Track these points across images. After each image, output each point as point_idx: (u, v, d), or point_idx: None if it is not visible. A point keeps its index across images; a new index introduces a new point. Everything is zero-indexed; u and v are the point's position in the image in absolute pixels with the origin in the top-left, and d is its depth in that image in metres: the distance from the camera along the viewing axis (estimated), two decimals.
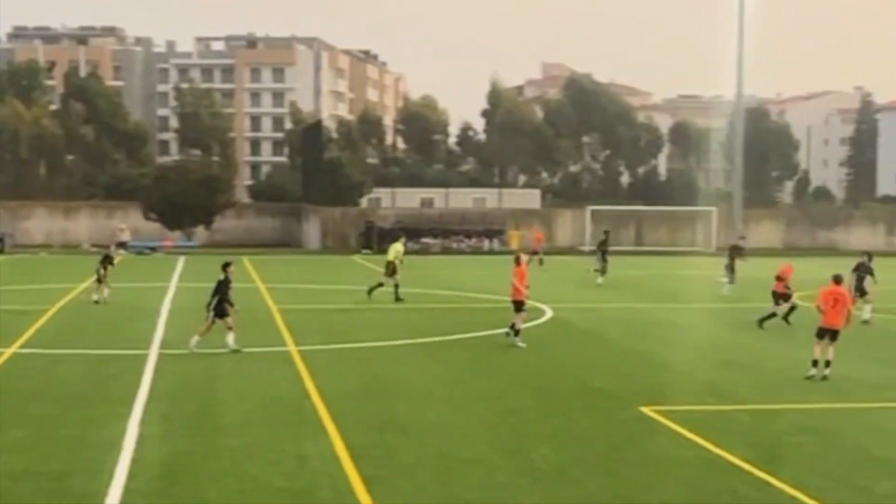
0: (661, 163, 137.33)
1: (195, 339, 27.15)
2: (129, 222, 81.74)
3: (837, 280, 25.59)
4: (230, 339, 27.15)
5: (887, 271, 47.59)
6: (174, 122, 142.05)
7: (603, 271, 49.68)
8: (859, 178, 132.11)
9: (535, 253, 59.66)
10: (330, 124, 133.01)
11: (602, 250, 50.81)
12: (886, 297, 42.56)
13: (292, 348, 28.36)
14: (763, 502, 14.92)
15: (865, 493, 15.32)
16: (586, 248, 73.98)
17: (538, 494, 15.11)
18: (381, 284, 40.81)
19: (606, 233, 53.34)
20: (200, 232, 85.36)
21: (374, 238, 76.51)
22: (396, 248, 41.50)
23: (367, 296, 40.34)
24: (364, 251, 72.79)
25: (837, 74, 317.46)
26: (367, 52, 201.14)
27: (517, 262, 29.62)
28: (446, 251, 75.51)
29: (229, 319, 27.26)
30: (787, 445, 18.09)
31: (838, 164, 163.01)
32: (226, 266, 28.09)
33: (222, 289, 27.52)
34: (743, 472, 16.22)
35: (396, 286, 40.27)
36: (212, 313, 27.11)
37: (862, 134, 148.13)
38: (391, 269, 40.68)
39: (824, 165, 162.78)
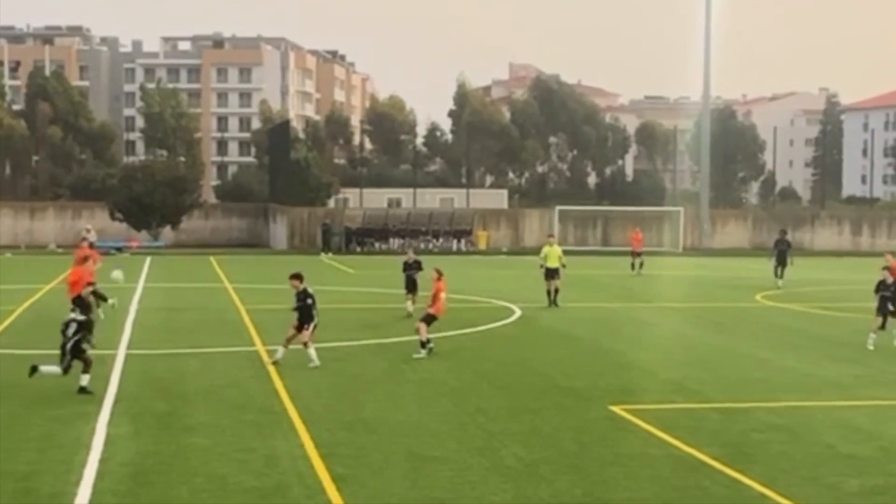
0: (628, 163, 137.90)
1: None
2: (96, 223, 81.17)
3: (441, 274, 27.86)
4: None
5: (854, 271, 47.94)
6: (140, 123, 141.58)
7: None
8: (825, 178, 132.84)
9: (637, 255, 56.75)
10: (297, 124, 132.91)
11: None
12: (852, 295, 42.84)
13: (261, 348, 28.29)
14: (733, 499, 14.96)
15: (834, 491, 15.39)
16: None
17: (508, 492, 15.11)
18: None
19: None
20: (167, 232, 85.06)
21: (341, 240, 76.22)
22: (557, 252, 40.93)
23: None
24: (322, 255, 71.58)
25: (803, 75, 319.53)
26: (334, 53, 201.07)
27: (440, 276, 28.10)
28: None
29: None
30: (755, 443, 18.15)
31: (804, 164, 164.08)
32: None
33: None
34: (712, 470, 16.27)
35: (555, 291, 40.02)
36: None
37: (827, 135, 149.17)
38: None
39: (790, 166, 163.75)
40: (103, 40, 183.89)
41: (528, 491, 15.20)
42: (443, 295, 27.64)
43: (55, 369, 21.88)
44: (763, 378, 24.73)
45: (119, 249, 74.21)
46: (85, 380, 21.62)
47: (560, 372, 25.25)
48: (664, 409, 20.86)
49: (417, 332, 27.46)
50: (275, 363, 25.26)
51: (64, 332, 22.03)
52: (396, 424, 19.22)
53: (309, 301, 25.66)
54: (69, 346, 21.81)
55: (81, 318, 22.28)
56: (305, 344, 25.44)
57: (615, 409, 20.58)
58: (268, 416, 19.85)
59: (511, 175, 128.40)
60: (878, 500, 15.11)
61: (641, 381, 24.18)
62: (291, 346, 25.59)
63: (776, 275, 49.33)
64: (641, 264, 55.49)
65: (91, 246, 66.12)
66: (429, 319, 27.42)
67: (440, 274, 28.09)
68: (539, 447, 17.69)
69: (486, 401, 21.51)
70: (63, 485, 15.14)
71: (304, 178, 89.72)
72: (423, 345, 27.10)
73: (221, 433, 18.36)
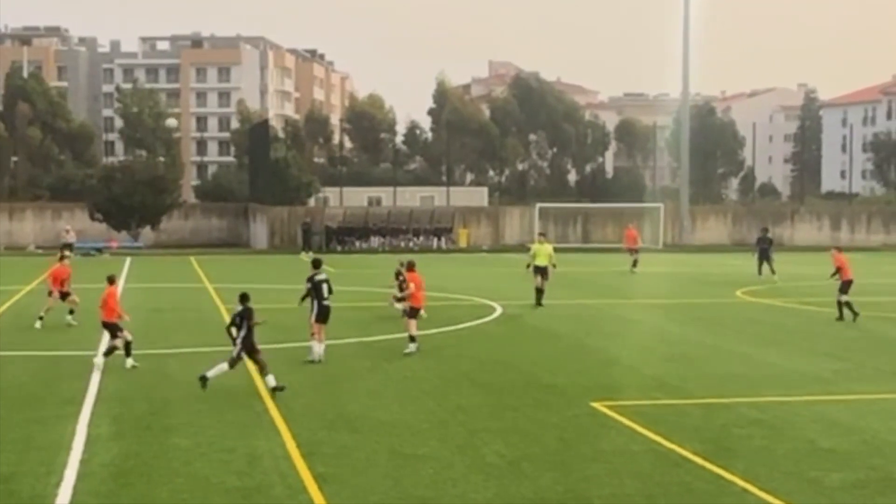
0: (608, 160, 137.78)
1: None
2: (75, 223, 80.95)
3: (411, 267, 28.76)
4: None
5: (833, 267, 47.97)
6: (120, 123, 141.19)
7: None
8: (804, 174, 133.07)
9: (634, 251, 56.71)
10: (276, 124, 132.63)
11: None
12: (832, 291, 42.90)
13: None
14: (715, 495, 14.98)
15: (816, 485, 15.42)
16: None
17: (490, 490, 15.11)
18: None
19: None
20: (147, 233, 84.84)
21: (321, 239, 76.07)
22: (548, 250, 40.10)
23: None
24: (302, 254, 71.26)
25: (781, 72, 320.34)
26: (313, 52, 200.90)
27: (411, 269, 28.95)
28: (394, 249, 75.35)
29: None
30: (736, 438, 18.19)
31: (783, 160, 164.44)
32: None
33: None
34: (694, 466, 16.30)
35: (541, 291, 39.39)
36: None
37: (806, 130, 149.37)
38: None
39: (769, 162, 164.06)
40: (81, 40, 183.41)
41: (510, 488, 15.20)
42: (412, 285, 28.20)
43: (223, 367, 22.05)
44: (744, 373, 24.80)
45: (99, 250, 74.04)
46: (269, 380, 21.68)
47: (542, 369, 25.28)
48: (646, 406, 20.89)
49: (407, 328, 27.75)
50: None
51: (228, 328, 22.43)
52: (378, 423, 19.21)
53: (308, 285, 26.28)
54: (238, 340, 22.09)
55: (240, 308, 22.42)
56: (312, 334, 26.04)
57: (597, 405, 20.60)
58: (249, 415, 19.83)
59: (491, 173, 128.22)
60: (859, 493, 15.15)
61: (623, 378, 24.21)
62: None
63: (759, 272, 49.51)
64: (635, 262, 55.48)
65: (69, 248, 65.96)
66: (413, 313, 27.88)
67: (411, 267, 28.89)
68: (521, 444, 17.70)
69: (467, 398, 21.52)
70: (44, 486, 15.10)
71: (284, 177, 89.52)
72: (413, 339, 27.35)
73: (203, 433, 18.33)
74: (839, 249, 37.48)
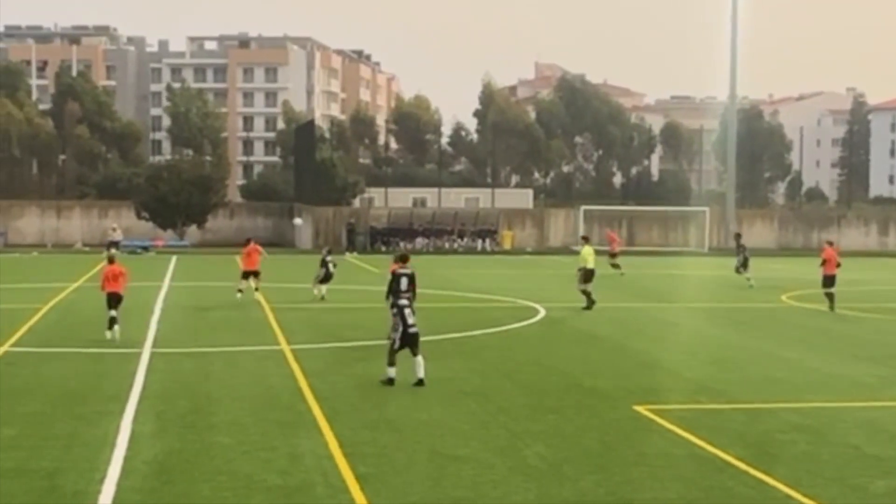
0: (654, 163, 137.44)
1: None
2: (122, 222, 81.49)
3: (404, 259, 27.86)
4: None
5: (880, 272, 47.77)
6: (167, 122, 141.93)
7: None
8: (852, 178, 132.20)
9: (613, 255, 56.71)
10: (322, 124, 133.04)
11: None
12: (877, 296, 42.70)
13: (285, 347, 28.33)
14: (757, 500, 14.90)
15: (860, 492, 15.30)
16: (579, 248, 73.87)
17: (531, 492, 15.08)
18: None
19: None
20: (192, 231, 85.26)
21: (366, 239, 76.22)
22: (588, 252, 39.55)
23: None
24: (347, 254, 71.55)
25: (830, 75, 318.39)
26: (359, 53, 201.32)
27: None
28: (439, 251, 75.43)
29: None
30: (779, 443, 18.07)
31: (830, 164, 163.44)
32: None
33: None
34: (737, 470, 16.20)
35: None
36: None
37: (854, 135, 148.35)
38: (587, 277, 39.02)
39: (817, 166, 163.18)
40: (130, 40, 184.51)
41: (551, 490, 15.17)
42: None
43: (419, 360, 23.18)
44: (788, 378, 24.65)
45: (145, 248, 74.46)
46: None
47: (584, 372, 25.21)
48: (688, 410, 20.79)
49: None
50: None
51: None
52: (419, 423, 19.21)
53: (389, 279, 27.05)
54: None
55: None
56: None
57: (639, 408, 20.52)
58: (292, 414, 19.87)
59: (536, 175, 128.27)
60: None
61: (665, 381, 24.11)
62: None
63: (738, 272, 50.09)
64: (617, 265, 55.36)
65: (116, 245, 66.42)
66: None
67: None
68: (562, 447, 17.65)
69: (509, 400, 21.48)
70: (87, 483, 15.18)
71: (329, 177, 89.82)
72: None
73: (245, 432, 18.39)
74: (831, 244, 41.33)
